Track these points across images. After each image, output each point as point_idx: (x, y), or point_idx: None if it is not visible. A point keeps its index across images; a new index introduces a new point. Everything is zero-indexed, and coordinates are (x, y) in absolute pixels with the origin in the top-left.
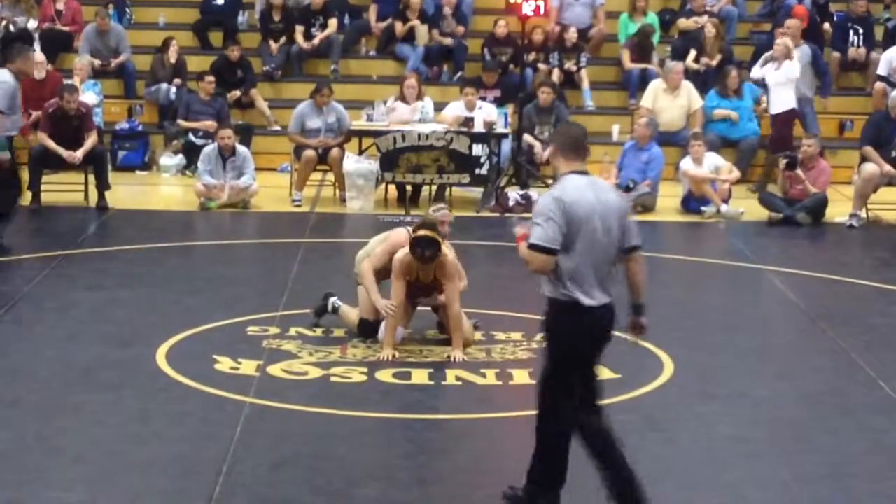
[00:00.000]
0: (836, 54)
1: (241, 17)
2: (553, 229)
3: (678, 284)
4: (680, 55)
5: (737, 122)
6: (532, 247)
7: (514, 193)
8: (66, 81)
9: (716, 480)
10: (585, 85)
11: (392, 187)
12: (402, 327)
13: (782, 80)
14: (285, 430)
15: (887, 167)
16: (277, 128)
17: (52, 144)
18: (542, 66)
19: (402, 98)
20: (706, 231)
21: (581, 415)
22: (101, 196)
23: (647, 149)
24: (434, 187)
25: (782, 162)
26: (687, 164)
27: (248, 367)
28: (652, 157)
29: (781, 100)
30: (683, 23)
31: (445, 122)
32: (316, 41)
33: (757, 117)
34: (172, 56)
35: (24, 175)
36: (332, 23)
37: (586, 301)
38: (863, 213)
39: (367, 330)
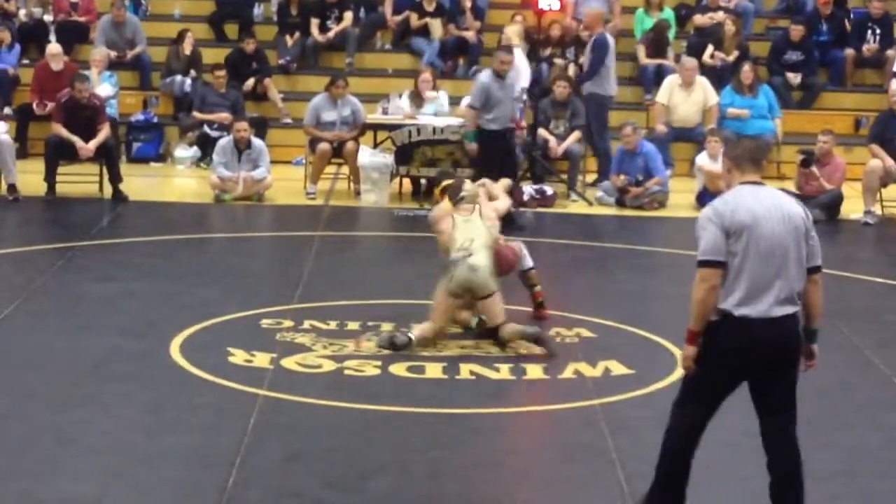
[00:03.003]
0: (852, 51)
1: (257, 10)
2: (711, 239)
3: (692, 280)
4: (696, 51)
5: (747, 119)
6: (700, 264)
7: (528, 188)
8: (82, 72)
9: (728, 475)
10: None
11: (407, 181)
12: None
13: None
14: (298, 422)
15: (890, 161)
16: (290, 120)
17: (65, 133)
18: (558, 60)
19: (417, 92)
20: None
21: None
22: (116, 188)
23: (639, 152)
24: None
25: (798, 158)
26: (703, 159)
27: (261, 359)
28: (648, 157)
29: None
30: (699, 18)
31: (460, 116)
32: (331, 34)
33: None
34: (188, 48)
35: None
36: (348, 16)
37: (741, 311)
38: (878, 210)
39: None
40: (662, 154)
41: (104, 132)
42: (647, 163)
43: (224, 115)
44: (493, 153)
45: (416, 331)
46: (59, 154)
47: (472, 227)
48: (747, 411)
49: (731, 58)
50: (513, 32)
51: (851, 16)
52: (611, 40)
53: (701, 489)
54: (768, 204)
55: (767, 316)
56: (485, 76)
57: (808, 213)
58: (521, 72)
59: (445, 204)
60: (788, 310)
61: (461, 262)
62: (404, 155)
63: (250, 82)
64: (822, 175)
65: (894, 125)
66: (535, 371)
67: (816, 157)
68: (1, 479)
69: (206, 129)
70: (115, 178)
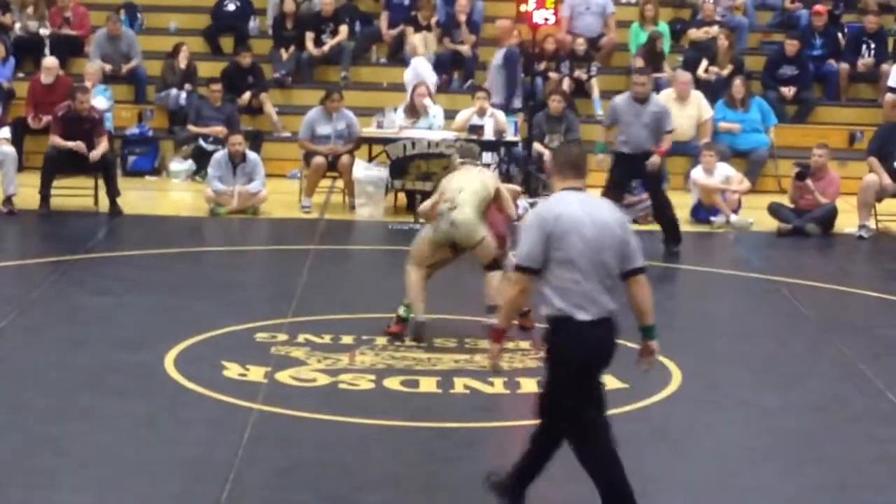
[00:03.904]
0: (846, 65)
1: (252, 23)
2: (530, 244)
3: (687, 294)
4: (691, 65)
5: (738, 133)
6: (517, 268)
7: (523, 202)
8: (82, 84)
9: (723, 490)
10: (596, 94)
11: (401, 195)
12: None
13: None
14: (293, 436)
15: (887, 179)
16: (286, 134)
17: (64, 143)
18: (552, 74)
19: (412, 106)
20: (715, 241)
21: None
22: (113, 202)
23: None
24: None
25: (794, 171)
26: (697, 173)
27: (256, 373)
28: None
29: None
30: (694, 33)
31: (455, 129)
32: (326, 48)
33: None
34: (183, 61)
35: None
36: (343, 29)
37: (580, 316)
38: (872, 224)
39: None
40: None
41: (103, 144)
42: None
43: (219, 129)
44: (620, 175)
45: (416, 305)
46: (56, 167)
47: (467, 176)
48: (740, 426)
49: (726, 72)
50: (418, 41)
51: (846, 30)
52: (517, 53)
53: (694, 503)
54: (589, 210)
55: (594, 318)
56: (620, 96)
57: (627, 219)
58: (430, 81)
59: None
60: (606, 314)
61: (445, 214)
62: (399, 169)
63: (246, 96)
64: (817, 189)
65: (895, 139)
66: (529, 385)
67: (811, 171)
68: None
69: (201, 142)
70: (113, 192)
